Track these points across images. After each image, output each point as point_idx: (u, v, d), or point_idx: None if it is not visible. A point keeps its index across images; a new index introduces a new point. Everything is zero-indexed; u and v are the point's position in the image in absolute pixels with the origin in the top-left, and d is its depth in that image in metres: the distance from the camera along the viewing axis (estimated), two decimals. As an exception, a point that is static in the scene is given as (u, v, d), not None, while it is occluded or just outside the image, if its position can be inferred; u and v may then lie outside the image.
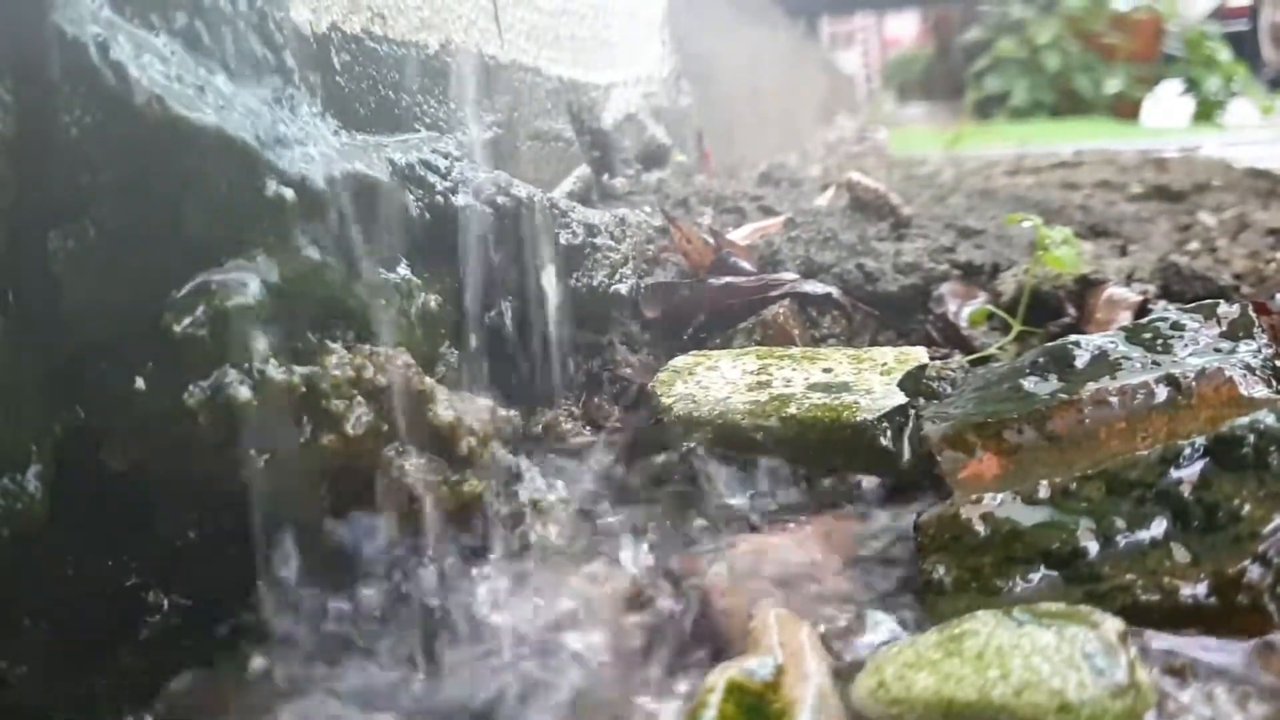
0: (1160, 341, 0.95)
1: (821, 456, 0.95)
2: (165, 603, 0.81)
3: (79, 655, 0.76)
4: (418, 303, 0.96)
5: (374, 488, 0.80)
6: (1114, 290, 1.34)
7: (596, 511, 0.95)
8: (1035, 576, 0.73)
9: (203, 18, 0.78)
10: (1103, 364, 0.93)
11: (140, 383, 0.74)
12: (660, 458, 1.00)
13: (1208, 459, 0.74)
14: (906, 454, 0.95)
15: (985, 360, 1.23)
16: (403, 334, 0.93)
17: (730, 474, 0.97)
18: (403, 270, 0.96)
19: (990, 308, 1.35)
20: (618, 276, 1.23)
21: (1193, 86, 7.09)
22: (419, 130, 1.20)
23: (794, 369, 1.08)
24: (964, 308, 1.38)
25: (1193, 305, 1.02)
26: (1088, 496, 0.76)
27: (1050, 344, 1.00)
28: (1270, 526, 0.68)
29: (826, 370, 1.07)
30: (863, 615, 0.75)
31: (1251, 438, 0.74)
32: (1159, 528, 0.72)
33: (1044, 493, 0.77)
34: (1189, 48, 7.22)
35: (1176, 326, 0.97)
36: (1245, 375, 0.87)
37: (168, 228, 0.74)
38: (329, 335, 0.82)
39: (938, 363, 1.14)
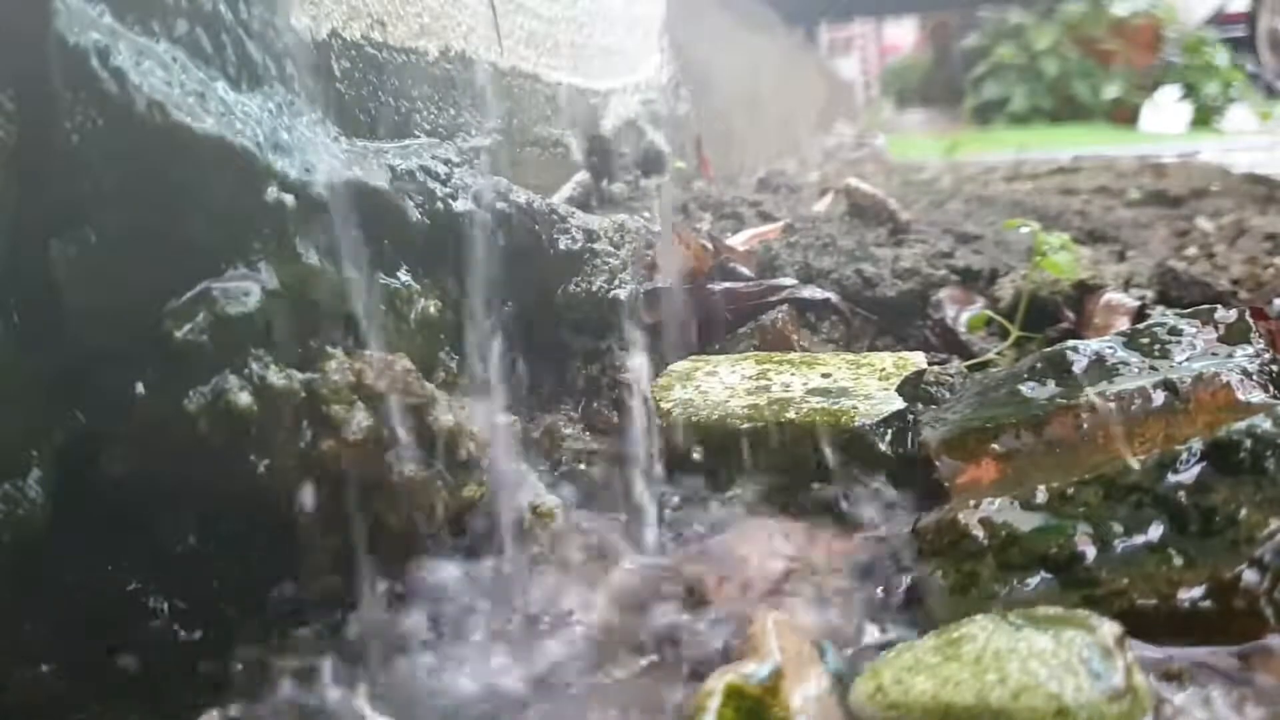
0: (1158, 347, 0.95)
1: (820, 461, 0.96)
2: (165, 608, 0.81)
3: (79, 659, 0.76)
4: (417, 308, 0.97)
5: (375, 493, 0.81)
6: (1112, 296, 1.35)
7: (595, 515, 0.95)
8: (1033, 581, 0.73)
9: (203, 25, 0.79)
10: (1100, 369, 0.93)
11: (141, 389, 0.74)
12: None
13: (1205, 464, 0.75)
14: (904, 458, 0.95)
15: (983, 365, 1.23)
16: (402, 339, 0.93)
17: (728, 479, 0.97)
18: (403, 276, 0.96)
19: (988, 313, 1.35)
20: (617, 282, 1.23)
21: (1191, 92, 7.09)
22: (419, 136, 1.20)
23: (793, 374, 1.08)
24: (962, 313, 1.38)
25: (1190, 310, 1.02)
26: (1085, 501, 0.76)
27: (1048, 349, 1.00)
28: (1267, 531, 0.69)
29: (825, 375, 1.07)
30: (861, 620, 0.75)
31: (1248, 443, 0.74)
32: (1156, 532, 0.73)
33: (1041, 498, 0.77)
34: (1187, 53, 7.23)
35: (1174, 332, 0.97)
36: (1242, 380, 0.87)
37: (168, 234, 0.74)
38: (329, 341, 0.83)
39: (936, 368, 1.14)
